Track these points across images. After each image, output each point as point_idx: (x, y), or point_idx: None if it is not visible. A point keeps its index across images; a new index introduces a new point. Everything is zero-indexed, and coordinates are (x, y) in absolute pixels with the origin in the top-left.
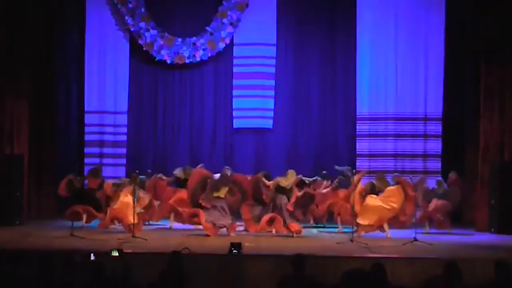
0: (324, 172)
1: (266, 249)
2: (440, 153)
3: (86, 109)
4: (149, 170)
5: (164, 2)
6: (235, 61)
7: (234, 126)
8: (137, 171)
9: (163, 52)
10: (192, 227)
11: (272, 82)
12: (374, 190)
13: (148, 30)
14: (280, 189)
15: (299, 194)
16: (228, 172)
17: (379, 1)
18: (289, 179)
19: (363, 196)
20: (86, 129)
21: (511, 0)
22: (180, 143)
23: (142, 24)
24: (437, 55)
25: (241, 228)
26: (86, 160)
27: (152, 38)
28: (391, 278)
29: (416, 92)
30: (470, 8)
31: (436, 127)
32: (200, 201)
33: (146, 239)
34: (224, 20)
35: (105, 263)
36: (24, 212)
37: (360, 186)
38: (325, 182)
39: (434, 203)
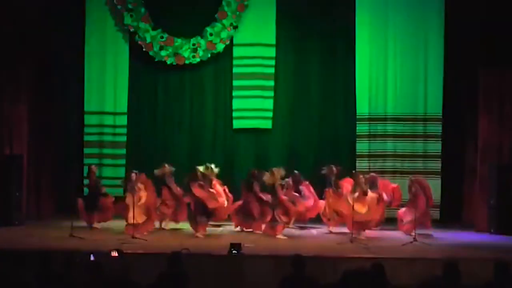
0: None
1: (265, 250)
2: (439, 153)
3: (85, 109)
4: (135, 172)
5: (164, 3)
6: (234, 62)
7: (234, 127)
8: (136, 171)
9: (162, 52)
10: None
11: (271, 83)
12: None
13: (148, 31)
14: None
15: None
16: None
17: (379, 1)
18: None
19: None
20: (86, 129)
21: (510, 1)
22: (179, 143)
23: (142, 25)
24: (437, 55)
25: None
26: (86, 161)
27: (152, 38)
28: (390, 279)
29: (416, 92)
30: (469, 8)
31: (435, 127)
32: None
33: (146, 240)
34: (224, 21)
35: (105, 263)
36: (23, 212)
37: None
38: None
39: None
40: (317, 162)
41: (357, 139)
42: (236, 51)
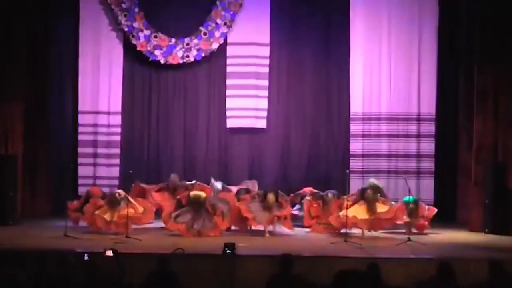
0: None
1: (260, 250)
2: (433, 153)
3: (80, 109)
4: (130, 171)
5: (158, 2)
6: (228, 61)
7: (228, 126)
8: (130, 171)
9: (156, 52)
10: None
11: (265, 82)
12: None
13: (142, 30)
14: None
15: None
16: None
17: (373, 1)
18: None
19: None
20: (80, 129)
21: (505, 1)
22: (174, 143)
23: (136, 24)
24: (431, 55)
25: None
26: (80, 160)
27: (146, 38)
28: (384, 278)
29: (410, 92)
30: (463, 8)
31: (429, 127)
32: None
33: (140, 239)
34: (218, 20)
35: (99, 263)
36: (17, 212)
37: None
38: None
39: None
40: (311, 162)
41: (351, 138)
42: (230, 51)
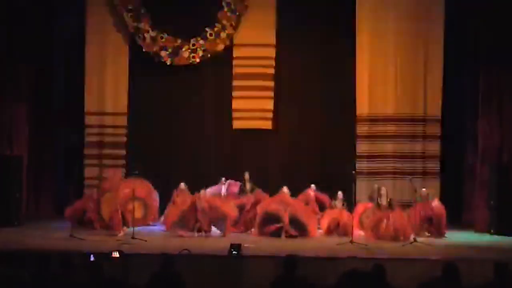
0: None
1: (265, 251)
2: (439, 154)
3: (85, 110)
4: (136, 172)
5: (164, 3)
6: (234, 62)
7: (234, 127)
8: (136, 172)
9: (163, 53)
10: None
11: (271, 83)
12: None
13: (148, 31)
14: None
15: None
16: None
17: (379, 2)
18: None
19: None
20: (86, 130)
21: (510, 3)
22: (180, 144)
23: (142, 25)
24: (436, 56)
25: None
26: (86, 161)
27: (152, 39)
28: (389, 279)
29: (416, 93)
30: (469, 10)
31: (435, 128)
32: None
33: (146, 240)
34: (224, 21)
35: (104, 264)
36: (23, 213)
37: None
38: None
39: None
40: (317, 162)
41: (357, 139)
42: (236, 52)
